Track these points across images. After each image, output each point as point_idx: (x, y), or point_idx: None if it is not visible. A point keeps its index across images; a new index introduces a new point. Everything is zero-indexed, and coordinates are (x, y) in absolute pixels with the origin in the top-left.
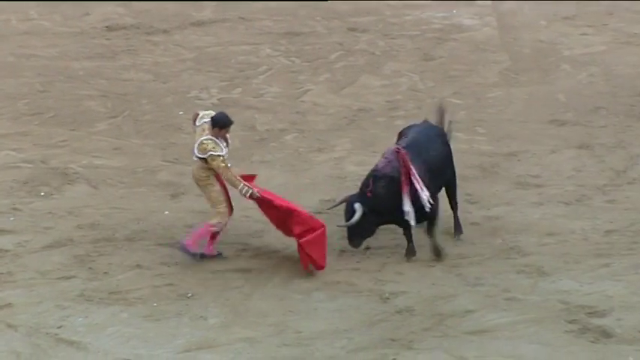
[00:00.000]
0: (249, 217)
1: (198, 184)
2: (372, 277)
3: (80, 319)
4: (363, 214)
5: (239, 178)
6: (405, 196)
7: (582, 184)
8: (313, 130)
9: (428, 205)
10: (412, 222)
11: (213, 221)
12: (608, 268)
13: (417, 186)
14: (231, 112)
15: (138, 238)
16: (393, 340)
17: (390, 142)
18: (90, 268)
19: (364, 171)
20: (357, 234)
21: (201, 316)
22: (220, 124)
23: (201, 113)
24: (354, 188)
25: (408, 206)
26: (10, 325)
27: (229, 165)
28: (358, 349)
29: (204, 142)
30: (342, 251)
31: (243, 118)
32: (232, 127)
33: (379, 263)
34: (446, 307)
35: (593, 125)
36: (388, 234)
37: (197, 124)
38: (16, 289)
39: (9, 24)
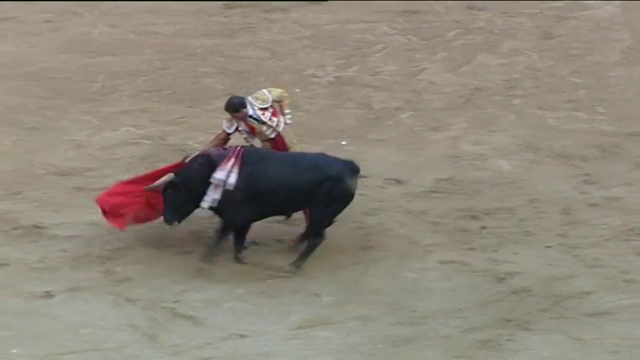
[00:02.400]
0: (366, 195)
1: None
2: (487, 257)
3: (196, 295)
4: (173, 185)
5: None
6: (213, 182)
7: None
8: (429, 108)
9: (207, 201)
10: (204, 204)
11: None
12: None
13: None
14: (347, 90)
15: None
16: (508, 320)
17: (507, 121)
18: (206, 244)
19: (480, 150)
20: (171, 208)
21: (315, 294)
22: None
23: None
24: (469, 167)
25: (212, 195)
26: (128, 299)
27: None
28: (472, 328)
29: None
30: (459, 231)
31: (359, 97)
32: (348, 105)
33: (495, 243)
34: (563, 288)
35: None
36: (503, 215)
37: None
38: (134, 264)
39: (130, 2)
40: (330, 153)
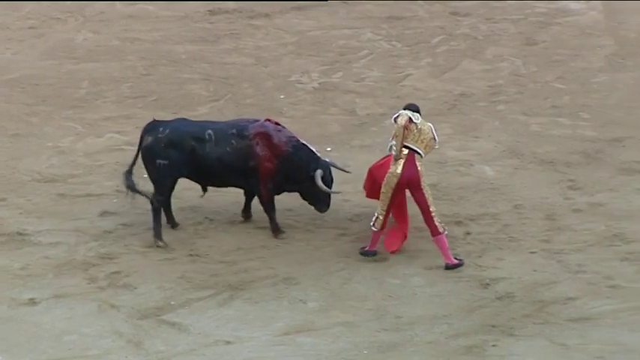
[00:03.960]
0: (349, 201)
1: (422, 187)
2: (471, 262)
3: (181, 301)
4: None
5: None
6: None
7: None
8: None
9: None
10: None
11: (440, 228)
12: None
13: None
14: (331, 96)
15: (238, 221)
16: (493, 326)
17: (491, 127)
18: (191, 250)
19: (465, 156)
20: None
21: (300, 300)
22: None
23: (408, 113)
24: (454, 173)
25: None
26: (113, 306)
27: None
28: (458, 334)
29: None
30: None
31: (344, 103)
32: (333, 111)
33: (479, 249)
34: (547, 293)
35: None
36: (487, 221)
37: (417, 121)
38: (119, 271)
39: (114, 8)
40: None
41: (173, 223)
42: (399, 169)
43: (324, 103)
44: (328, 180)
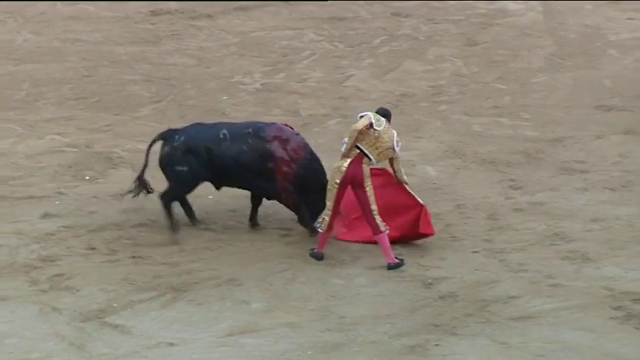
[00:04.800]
0: None
1: (365, 186)
2: (414, 262)
3: (124, 303)
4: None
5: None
6: None
7: (628, 170)
8: (356, 115)
9: None
10: None
11: (381, 227)
12: None
13: None
14: (274, 97)
15: (181, 222)
16: (435, 325)
17: (433, 127)
18: (134, 252)
19: (407, 156)
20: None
21: (243, 301)
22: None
23: (372, 117)
24: None
25: None
26: (54, 309)
27: None
28: (401, 334)
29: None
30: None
31: (287, 103)
32: (275, 112)
33: (422, 249)
34: (489, 292)
35: None
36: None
37: (379, 128)
38: (60, 273)
39: (54, 8)
40: None
41: (194, 220)
42: (345, 166)
43: (267, 103)
44: None
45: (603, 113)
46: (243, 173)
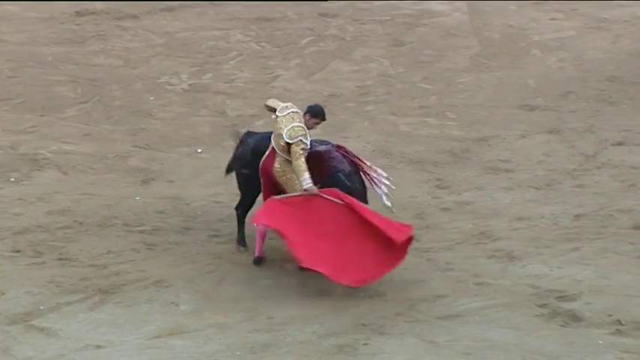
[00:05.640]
0: (220, 203)
1: (279, 179)
2: None
3: (50, 305)
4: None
5: (306, 169)
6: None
7: (552, 169)
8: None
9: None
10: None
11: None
12: (577, 253)
13: None
14: (201, 98)
15: (108, 224)
16: (364, 325)
17: (360, 127)
18: (60, 254)
19: None
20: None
21: (172, 302)
22: (320, 115)
23: (279, 105)
24: None
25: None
26: None
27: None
28: (329, 334)
29: (297, 127)
30: None
31: (214, 104)
32: (203, 113)
33: None
34: (417, 292)
35: (563, 110)
36: None
37: (280, 113)
38: None
39: None
40: (185, 161)
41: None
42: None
43: (194, 104)
44: None
45: (527, 113)
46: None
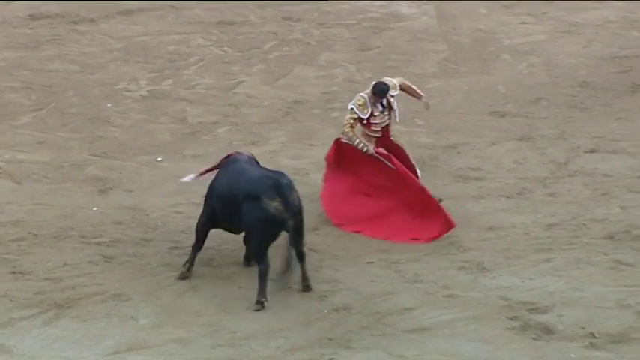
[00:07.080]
0: (182, 213)
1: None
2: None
3: (4, 321)
4: None
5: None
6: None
7: (523, 177)
8: (247, 122)
9: None
10: None
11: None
12: (549, 263)
13: None
14: (161, 104)
15: (64, 235)
16: (330, 339)
17: (326, 134)
18: (14, 267)
19: (300, 165)
20: None
21: (131, 317)
22: (373, 89)
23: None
24: None
25: None
26: None
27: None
28: (294, 348)
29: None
30: (279, 249)
31: (174, 111)
32: (163, 120)
33: (316, 260)
34: (384, 304)
35: (534, 116)
36: (324, 231)
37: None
38: None
39: None
40: (145, 170)
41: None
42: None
43: (154, 111)
44: None
45: (497, 119)
46: None
